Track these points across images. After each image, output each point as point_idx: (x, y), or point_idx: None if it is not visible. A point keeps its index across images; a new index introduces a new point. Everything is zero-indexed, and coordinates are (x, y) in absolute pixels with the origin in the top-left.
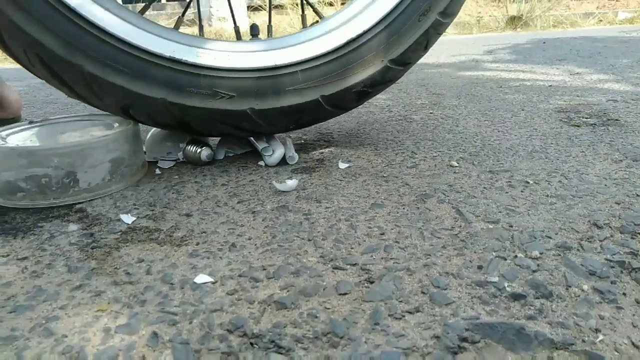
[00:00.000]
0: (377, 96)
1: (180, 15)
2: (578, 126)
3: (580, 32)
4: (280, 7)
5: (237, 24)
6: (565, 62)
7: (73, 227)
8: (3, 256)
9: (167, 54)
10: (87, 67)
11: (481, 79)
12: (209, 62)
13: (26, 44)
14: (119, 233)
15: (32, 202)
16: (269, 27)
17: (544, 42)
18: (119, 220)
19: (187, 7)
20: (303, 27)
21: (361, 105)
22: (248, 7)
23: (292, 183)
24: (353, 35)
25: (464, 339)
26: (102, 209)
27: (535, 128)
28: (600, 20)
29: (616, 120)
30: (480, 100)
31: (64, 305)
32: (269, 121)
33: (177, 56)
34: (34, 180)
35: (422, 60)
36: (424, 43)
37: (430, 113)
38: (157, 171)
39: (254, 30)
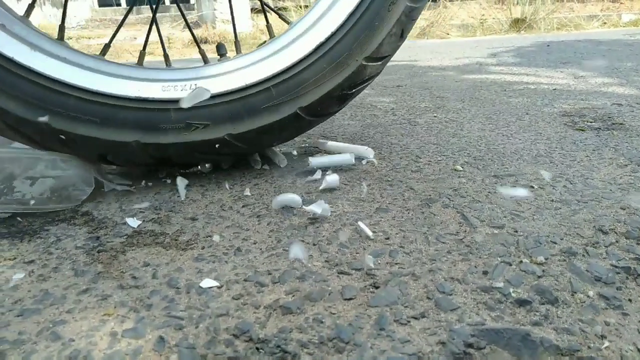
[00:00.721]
0: (381, 99)
1: (141, 50)
2: (583, 130)
3: (584, 35)
4: (284, 9)
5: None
6: (570, 65)
7: (80, 231)
8: (10, 259)
9: (133, 94)
10: (55, 124)
11: (485, 82)
12: (176, 95)
13: None
14: (125, 237)
15: None
16: (235, 45)
17: (548, 45)
18: (125, 223)
19: (148, 34)
20: (270, 38)
21: (365, 109)
22: (251, 9)
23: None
24: (322, 39)
25: (470, 345)
26: (107, 213)
27: (540, 132)
28: (604, 23)
29: (621, 124)
30: (484, 104)
31: (70, 309)
32: (250, 143)
33: (143, 95)
34: None
35: (425, 63)
36: (399, 33)
37: (434, 116)
38: (160, 175)
39: (221, 50)
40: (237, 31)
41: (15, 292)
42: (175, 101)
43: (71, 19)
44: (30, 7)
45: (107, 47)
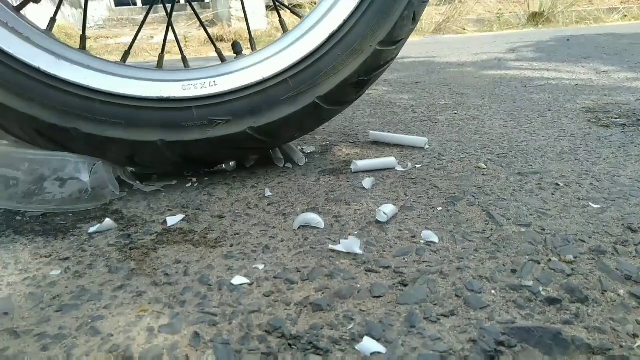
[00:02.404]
0: (400, 96)
1: (161, 53)
2: (607, 127)
3: (604, 29)
4: (299, 6)
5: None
6: (591, 59)
7: (111, 228)
8: (46, 257)
9: (155, 95)
10: (83, 129)
11: (505, 78)
12: (197, 93)
13: (21, 121)
14: (155, 234)
15: None
16: (250, 42)
17: (568, 39)
18: (154, 221)
19: (165, 39)
20: (284, 32)
21: (384, 106)
22: (267, 7)
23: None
24: (334, 27)
25: (501, 343)
26: (136, 211)
27: (563, 129)
28: (625, 16)
29: None
30: (505, 100)
31: (107, 305)
32: (271, 135)
33: (165, 94)
34: (3, 182)
35: (443, 60)
36: (411, 16)
37: (455, 114)
38: (186, 173)
39: (237, 48)
40: (253, 29)
41: (53, 288)
42: (196, 99)
43: (89, 19)
44: (52, 20)
45: (127, 53)
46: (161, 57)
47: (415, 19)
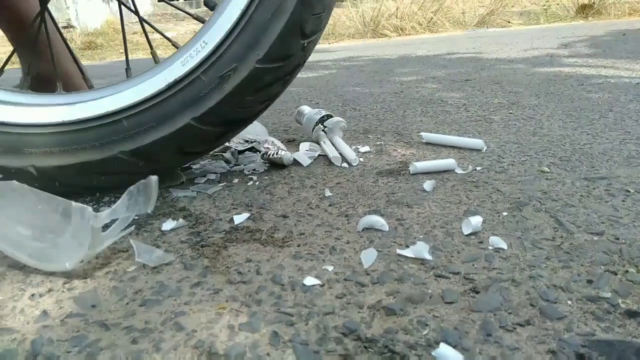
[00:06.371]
0: (451, 94)
1: (151, 51)
2: None
3: None
4: (340, 1)
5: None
6: None
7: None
8: (123, 251)
9: (163, 84)
10: (127, 148)
11: (560, 76)
12: (196, 61)
13: (78, 172)
14: (223, 232)
15: None
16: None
17: (624, 34)
18: (221, 219)
19: (151, 46)
20: None
21: (435, 104)
22: None
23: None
24: None
25: (581, 356)
26: (202, 209)
27: (628, 131)
28: None
29: None
30: (562, 100)
31: (187, 301)
32: (282, 58)
33: (171, 78)
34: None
35: (491, 56)
36: None
37: (510, 113)
38: (246, 172)
39: (210, 4)
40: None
41: (134, 283)
42: (198, 66)
43: (133, 14)
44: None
45: (128, 70)
46: (154, 54)
47: None
